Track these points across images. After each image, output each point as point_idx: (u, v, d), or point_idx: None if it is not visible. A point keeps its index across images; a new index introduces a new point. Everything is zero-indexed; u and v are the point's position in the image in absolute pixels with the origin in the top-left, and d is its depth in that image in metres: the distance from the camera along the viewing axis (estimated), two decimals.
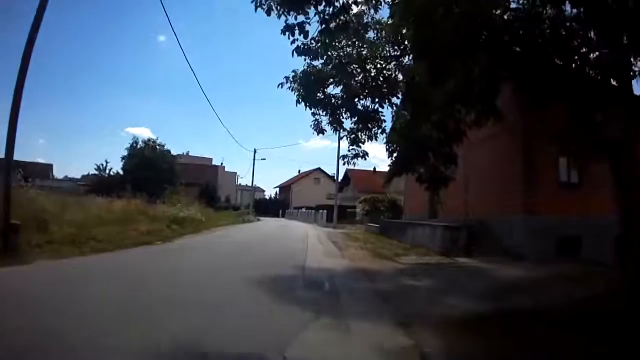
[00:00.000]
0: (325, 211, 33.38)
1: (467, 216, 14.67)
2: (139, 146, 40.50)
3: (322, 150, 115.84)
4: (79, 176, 51.60)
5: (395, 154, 11.63)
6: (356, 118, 10.99)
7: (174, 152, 46.61)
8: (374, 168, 57.92)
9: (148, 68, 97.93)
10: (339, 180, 64.63)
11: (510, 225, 12.70)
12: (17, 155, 9.57)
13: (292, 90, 10.02)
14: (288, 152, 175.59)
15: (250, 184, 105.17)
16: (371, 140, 11.42)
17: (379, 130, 11.36)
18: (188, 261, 9.09)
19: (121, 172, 38.84)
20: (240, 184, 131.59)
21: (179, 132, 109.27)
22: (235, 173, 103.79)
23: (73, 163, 78.69)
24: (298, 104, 10.02)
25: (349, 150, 11.42)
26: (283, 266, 8.79)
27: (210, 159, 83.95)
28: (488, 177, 13.78)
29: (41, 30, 8.51)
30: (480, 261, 11.15)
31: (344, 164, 11.26)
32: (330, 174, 76.17)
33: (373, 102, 11.02)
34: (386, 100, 10.95)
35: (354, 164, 11.45)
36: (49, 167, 53.54)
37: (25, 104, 8.46)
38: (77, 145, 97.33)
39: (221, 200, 63.69)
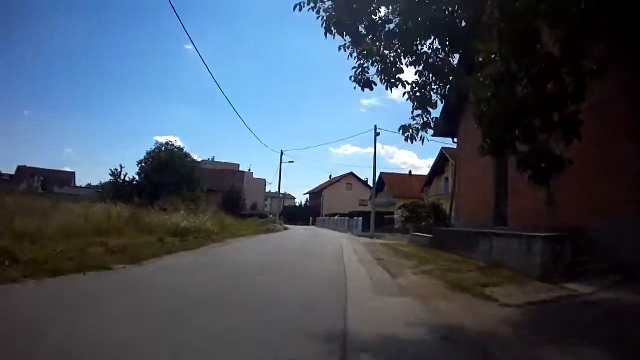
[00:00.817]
0: (360, 218, 29.11)
1: (553, 221, 10.18)
2: (155, 149, 37.50)
3: (352, 157, 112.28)
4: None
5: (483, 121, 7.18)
6: (421, 66, 6.74)
7: (198, 158, 44.33)
8: (410, 171, 53.68)
9: (177, 77, 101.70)
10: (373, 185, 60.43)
11: (622, 232, 8.43)
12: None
13: (317, 11, 5.91)
14: (318, 157, 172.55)
15: (279, 191, 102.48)
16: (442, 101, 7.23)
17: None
18: (91, 326, 4.55)
19: (136, 177, 36.19)
20: (270, 191, 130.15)
21: (208, 140, 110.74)
22: (264, 180, 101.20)
23: (99, 171, 78.49)
24: (328, 34, 5.89)
25: (412, 118, 7.12)
26: (300, 336, 4.09)
27: (237, 165, 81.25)
28: (584, 163, 9.20)
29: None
30: (612, 290, 7.05)
31: (405, 139, 6.92)
32: (362, 179, 72.06)
33: (442, 43, 6.81)
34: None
35: (419, 137, 7.12)
36: (71, 175, 53.12)
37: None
38: (104, 154, 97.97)
39: (247, 207, 60.40)
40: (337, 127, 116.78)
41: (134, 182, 34.83)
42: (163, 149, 38.17)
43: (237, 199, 48.31)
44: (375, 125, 28.07)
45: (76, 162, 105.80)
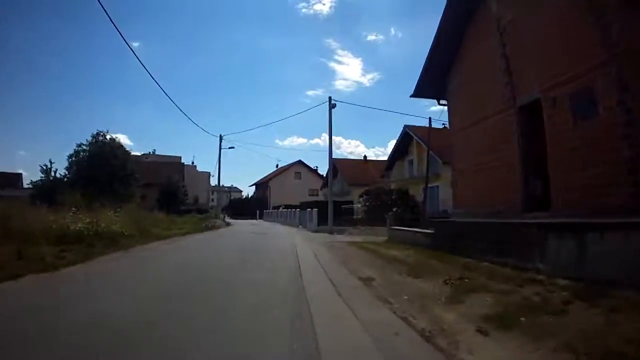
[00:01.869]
0: (315, 210, 24.49)
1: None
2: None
3: (299, 148, 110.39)
4: None
5: None
6: None
7: (139, 152, 40.15)
8: (365, 156, 49.74)
9: (127, 76, 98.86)
10: (325, 174, 55.88)
11: None
12: None
13: None
14: (266, 151, 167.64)
15: (226, 185, 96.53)
16: None
17: None
18: None
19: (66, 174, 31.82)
20: (215, 185, 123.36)
21: (159, 138, 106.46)
22: (208, 173, 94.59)
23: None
24: None
25: None
26: None
27: (179, 158, 74.43)
28: None
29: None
30: None
31: None
32: (312, 167, 67.57)
33: None
34: None
35: None
36: (18, 177, 51.15)
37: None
38: (57, 155, 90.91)
39: (188, 201, 54.23)
40: (284, 120, 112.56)
41: (65, 179, 31.12)
42: (94, 140, 32.99)
43: (175, 193, 42.20)
44: (330, 97, 23.53)
45: (30, 164, 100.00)
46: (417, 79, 14.66)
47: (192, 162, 68.69)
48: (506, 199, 10.31)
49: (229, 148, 36.09)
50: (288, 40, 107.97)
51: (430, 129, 30.09)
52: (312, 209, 25.14)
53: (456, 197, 14.14)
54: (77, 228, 12.02)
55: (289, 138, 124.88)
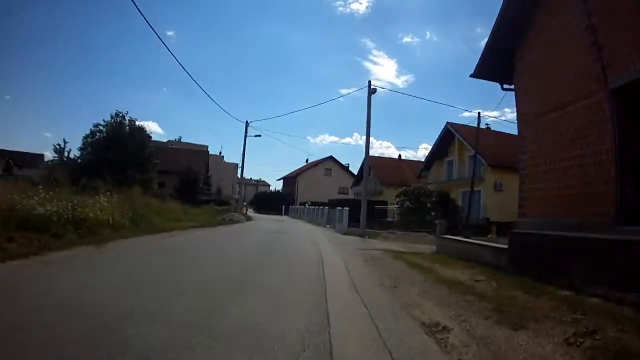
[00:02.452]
0: (346, 209, 21.32)
1: None
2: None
3: (330, 147, 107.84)
4: None
5: None
6: None
7: (164, 139, 38.62)
8: (400, 155, 46.12)
9: (159, 63, 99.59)
10: (357, 172, 52.53)
11: None
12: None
13: None
14: (295, 145, 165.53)
15: (254, 178, 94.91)
16: None
17: None
18: None
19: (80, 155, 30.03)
20: (241, 175, 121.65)
21: (189, 127, 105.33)
22: (236, 164, 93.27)
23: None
24: None
25: None
26: None
27: (205, 147, 72.75)
28: None
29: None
30: None
31: None
32: (344, 164, 64.34)
33: None
34: None
35: None
36: (39, 157, 50.29)
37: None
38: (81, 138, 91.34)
39: (211, 192, 52.10)
40: (316, 116, 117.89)
41: (79, 160, 29.51)
42: (112, 121, 30.85)
43: (194, 182, 39.92)
44: (370, 81, 20.32)
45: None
46: (479, 58, 11.88)
47: (220, 153, 66.59)
48: (593, 207, 7.19)
49: (256, 136, 33.50)
50: (323, 37, 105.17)
51: (477, 129, 26.56)
52: (342, 208, 21.98)
53: (525, 202, 10.72)
54: (43, 212, 9.39)
55: (320, 135, 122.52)
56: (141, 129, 33.82)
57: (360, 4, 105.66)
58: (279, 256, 9.91)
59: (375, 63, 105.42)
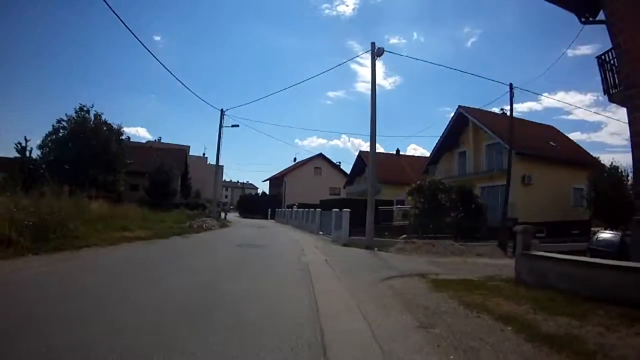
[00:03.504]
0: (347, 212, 16.01)
1: None
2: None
3: (319, 149, 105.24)
4: None
5: None
6: None
7: (143, 140, 36.73)
8: (398, 150, 40.87)
9: (146, 69, 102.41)
10: (350, 170, 47.29)
11: None
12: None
13: None
14: (283, 148, 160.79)
15: (242, 181, 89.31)
16: None
17: None
18: None
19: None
20: (231, 180, 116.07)
21: (177, 133, 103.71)
22: (222, 167, 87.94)
23: None
24: None
25: None
26: None
27: (185, 147, 67.34)
28: None
29: None
30: None
31: None
32: (335, 162, 59.19)
33: None
34: None
35: None
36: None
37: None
38: None
39: (189, 194, 46.68)
40: (302, 119, 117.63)
41: (38, 160, 27.51)
42: (77, 117, 28.10)
43: (166, 183, 34.51)
44: (373, 43, 15.21)
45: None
46: None
47: (204, 154, 60.75)
48: None
49: (233, 126, 28.01)
50: (310, 40, 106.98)
51: (511, 102, 21.62)
52: (341, 210, 16.78)
53: None
54: None
55: (308, 138, 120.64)
56: (107, 125, 29.12)
57: (347, 6, 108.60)
58: (234, 311, 4.65)
59: (362, 65, 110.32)
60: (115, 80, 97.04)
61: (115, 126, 29.33)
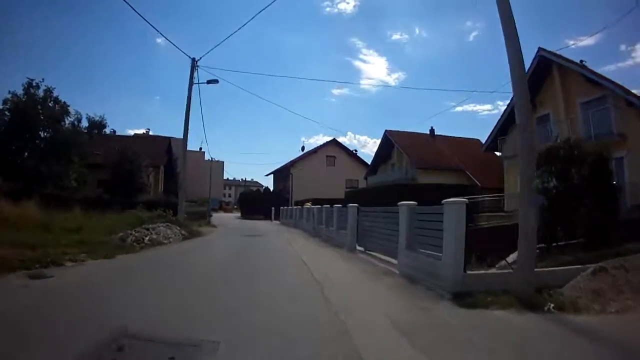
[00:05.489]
0: (409, 208, 6.75)
1: None
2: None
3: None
4: None
5: None
6: None
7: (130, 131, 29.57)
8: (432, 129, 31.54)
9: (149, 71, 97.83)
10: (375, 153, 37.59)
11: None
12: None
13: None
14: (290, 147, 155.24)
15: (246, 179, 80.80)
16: None
17: None
18: None
19: None
20: (234, 179, 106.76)
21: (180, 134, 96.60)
22: (222, 163, 78.75)
23: None
24: None
25: None
26: None
27: (168, 139, 58.46)
28: None
29: None
30: None
31: None
32: (351, 149, 49.73)
33: None
34: None
35: None
36: None
37: None
38: None
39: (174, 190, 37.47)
40: (310, 116, 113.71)
41: None
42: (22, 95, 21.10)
43: (130, 176, 25.23)
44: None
45: None
46: None
47: (200, 149, 51.04)
48: None
49: (208, 82, 18.49)
50: (312, 38, 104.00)
51: None
52: (408, 205, 7.35)
53: None
54: None
55: (314, 136, 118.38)
56: (60, 104, 22.23)
57: (348, 3, 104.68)
58: None
59: (365, 62, 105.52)
60: (117, 83, 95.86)
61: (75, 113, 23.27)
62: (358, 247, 11.32)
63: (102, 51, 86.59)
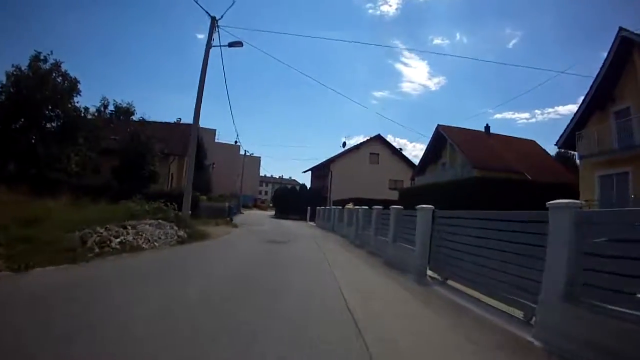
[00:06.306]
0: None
1: None
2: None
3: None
4: None
5: None
6: None
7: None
8: (487, 126, 30.10)
9: (194, 67, 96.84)
10: (424, 151, 32.80)
11: None
12: None
13: None
14: (328, 150, 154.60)
15: (279, 176, 78.21)
16: None
17: None
18: None
19: None
20: (272, 176, 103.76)
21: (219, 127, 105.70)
22: (259, 158, 75.01)
23: None
24: None
25: None
26: None
27: (213, 131, 56.23)
28: None
29: None
30: None
31: None
32: (396, 147, 45.03)
33: None
34: None
35: None
36: None
37: None
38: None
39: (210, 189, 34.49)
40: (349, 119, 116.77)
41: None
42: (30, 69, 18.28)
43: (141, 161, 21.70)
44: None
45: None
46: None
47: (236, 142, 47.85)
48: None
49: (230, 45, 14.67)
50: (355, 39, 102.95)
51: None
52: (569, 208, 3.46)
53: None
54: None
55: (354, 137, 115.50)
56: (67, 78, 19.17)
57: (390, 6, 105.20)
58: None
59: (406, 65, 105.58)
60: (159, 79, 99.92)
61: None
62: (429, 273, 7.04)
63: (148, 48, 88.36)
